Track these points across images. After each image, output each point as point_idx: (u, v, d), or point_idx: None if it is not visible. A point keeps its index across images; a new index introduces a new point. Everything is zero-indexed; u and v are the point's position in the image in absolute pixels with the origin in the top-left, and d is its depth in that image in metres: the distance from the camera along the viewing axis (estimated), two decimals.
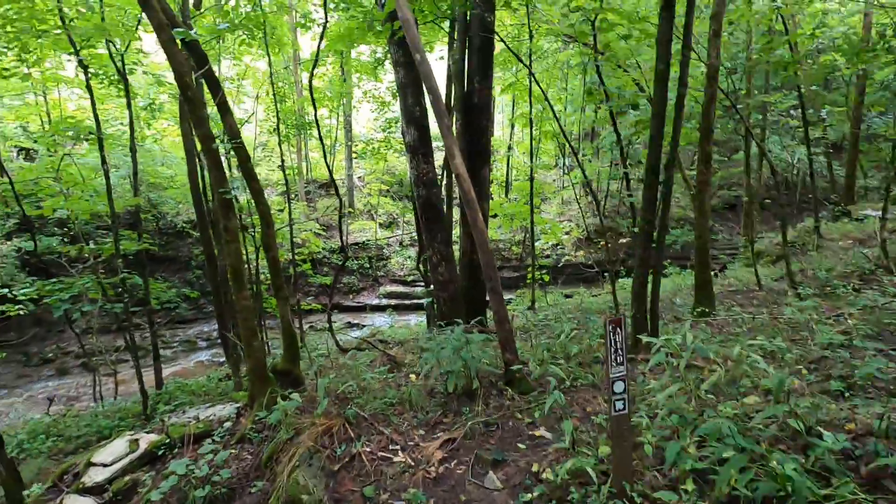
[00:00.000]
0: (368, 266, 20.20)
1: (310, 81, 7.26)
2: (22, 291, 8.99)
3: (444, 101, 8.69)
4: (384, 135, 15.64)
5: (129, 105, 8.11)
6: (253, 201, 4.48)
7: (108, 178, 7.39)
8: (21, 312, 11.01)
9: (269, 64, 9.36)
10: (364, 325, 16.48)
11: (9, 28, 5.32)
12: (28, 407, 11.95)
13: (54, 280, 8.50)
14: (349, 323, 16.90)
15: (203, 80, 4.87)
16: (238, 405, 4.37)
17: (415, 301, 18.56)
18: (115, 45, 7.86)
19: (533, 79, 9.33)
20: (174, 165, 18.16)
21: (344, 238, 8.27)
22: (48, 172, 8.91)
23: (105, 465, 3.68)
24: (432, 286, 7.02)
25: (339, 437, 3.27)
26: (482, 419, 3.44)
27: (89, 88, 7.08)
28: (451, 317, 6.78)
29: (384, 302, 18.86)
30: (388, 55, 10.33)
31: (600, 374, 4.10)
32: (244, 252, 5.66)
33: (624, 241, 16.40)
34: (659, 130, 4.23)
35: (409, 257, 20.40)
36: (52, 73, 13.32)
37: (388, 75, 16.88)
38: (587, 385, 3.97)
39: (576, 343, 4.89)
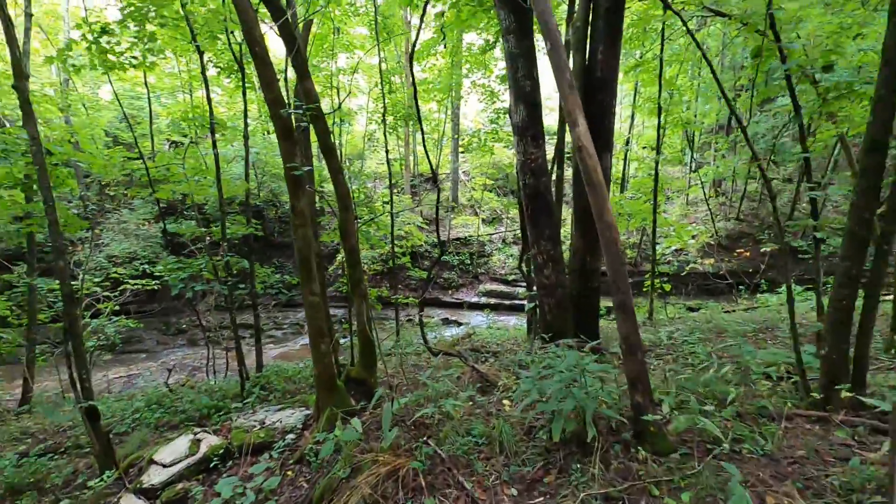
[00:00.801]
0: (469, 262, 19.57)
1: (410, 60, 6.61)
2: (157, 268, 9.76)
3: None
4: (492, 126, 14.82)
5: (244, 93, 8.21)
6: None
7: (217, 164, 7.50)
8: (156, 287, 12.08)
9: (378, 39, 8.96)
10: (461, 323, 15.87)
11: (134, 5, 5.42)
12: (160, 372, 13.17)
13: (176, 259, 8.96)
14: (446, 319, 16.41)
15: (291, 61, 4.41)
16: (308, 413, 3.84)
17: (515, 302, 17.52)
18: (233, 34, 8.00)
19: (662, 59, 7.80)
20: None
21: (442, 230, 7.69)
22: (176, 160, 9.47)
23: (164, 466, 3.35)
24: (535, 289, 6.01)
25: (405, 484, 2.50)
26: (600, 489, 2.43)
27: (204, 76, 7.19)
28: (556, 327, 5.73)
29: (483, 300, 18.08)
30: (499, 36, 9.47)
31: (775, 437, 2.83)
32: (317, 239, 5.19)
33: (767, 248, 13.74)
34: (891, 85, 2.80)
35: (512, 255, 19.38)
36: (195, 73, 14.55)
37: (499, 65, 16.00)
38: (756, 454, 2.73)
39: (727, 382, 3.59)
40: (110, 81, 12.17)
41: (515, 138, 5.89)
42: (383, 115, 11.35)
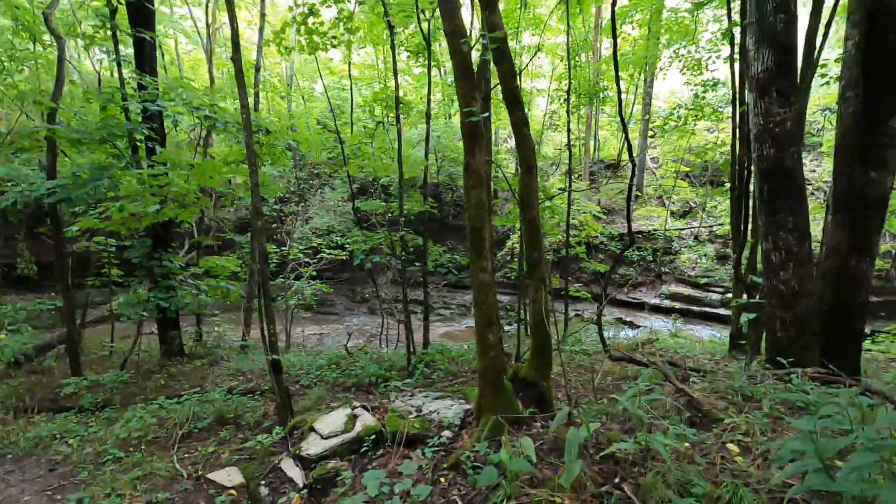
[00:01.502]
0: (651, 259, 17.30)
1: (612, 17, 5.54)
2: (347, 240, 10.66)
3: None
4: (694, 103, 12.53)
5: (428, 70, 8.16)
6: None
7: (399, 138, 7.57)
8: (345, 257, 13.26)
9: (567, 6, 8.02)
10: (637, 325, 14.06)
11: None
12: (344, 334, 14.65)
13: (360, 232, 9.52)
14: (620, 319, 14.73)
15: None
16: (467, 407, 3.35)
17: (705, 309, 14.87)
18: (423, 14, 7.99)
19: None
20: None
21: (630, 223, 6.58)
22: (365, 139, 10.06)
23: (321, 437, 3.21)
24: (765, 297, 4.53)
25: None
26: None
27: (393, 50, 7.26)
28: (792, 350, 4.22)
29: (666, 303, 15.79)
30: None
31: None
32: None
33: None
34: None
35: (706, 255, 16.49)
36: (389, 65, 15.54)
37: (708, 28, 13.42)
38: None
39: None
40: (321, 76, 13.65)
41: (752, 95, 4.44)
42: (567, 93, 10.37)
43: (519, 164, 3.26)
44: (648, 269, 17.26)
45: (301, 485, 2.98)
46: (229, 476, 4.11)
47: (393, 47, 7.27)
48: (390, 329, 12.10)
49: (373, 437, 3.21)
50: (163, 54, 15.52)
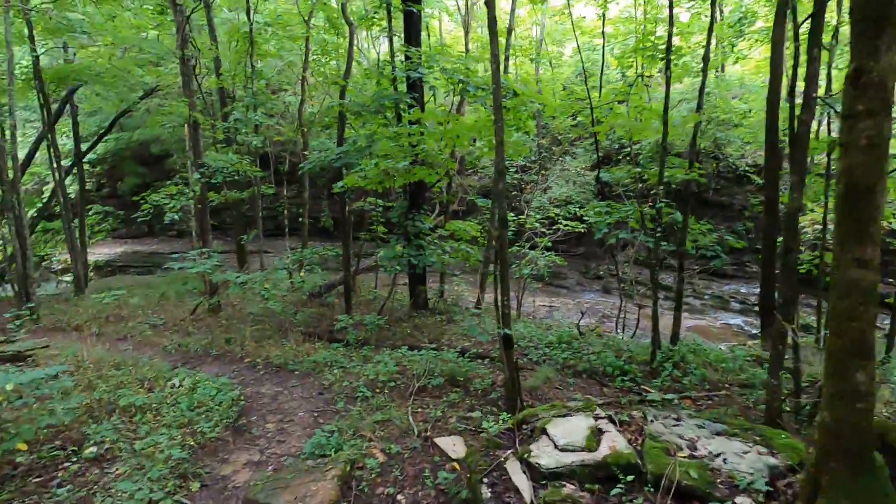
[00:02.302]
0: None
1: None
2: (586, 212, 9.76)
3: None
4: None
5: (670, 20, 6.34)
6: None
7: (668, 94, 6.12)
8: (583, 230, 12.33)
9: None
10: None
11: None
12: (574, 311, 13.87)
13: (605, 203, 8.45)
14: None
15: None
16: (773, 463, 2.19)
17: None
18: None
19: None
20: (751, 97, 15.35)
21: None
22: (619, 97, 8.75)
23: (556, 446, 2.59)
24: None
25: None
26: None
27: None
28: None
29: None
30: None
31: None
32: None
33: None
34: None
35: None
36: (651, 16, 13.38)
37: None
38: None
39: None
40: (576, 33, 12.60)
41: None
42: None
43: None
44: None
45: (528, 501, 2.45)
46: (454, 446, 3.93)
47: None
48: (629, 314, 10.73)
49: (625, 469, 2.40)
50: (428, 34, 16.87)
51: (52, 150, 12.74)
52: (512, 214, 12.68)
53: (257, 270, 11.27)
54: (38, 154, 15.39)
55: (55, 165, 12.87)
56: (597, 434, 2.70)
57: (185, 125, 10.49)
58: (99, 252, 18.16)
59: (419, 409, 4.96)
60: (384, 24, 9.49)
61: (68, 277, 15.11)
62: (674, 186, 8.39)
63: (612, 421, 2.92)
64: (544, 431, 2.93)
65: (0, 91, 10.30)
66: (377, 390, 5.39)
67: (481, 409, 4.94)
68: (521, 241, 11.99)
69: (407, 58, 8.19)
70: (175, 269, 7.36)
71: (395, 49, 9.01)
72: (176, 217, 8.91)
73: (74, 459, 3.80)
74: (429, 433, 4.27)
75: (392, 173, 5.31)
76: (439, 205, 16.08)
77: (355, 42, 11.34)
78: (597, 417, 2.97)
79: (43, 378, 3.41)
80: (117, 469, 3.59)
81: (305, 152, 11.97)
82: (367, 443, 4.04)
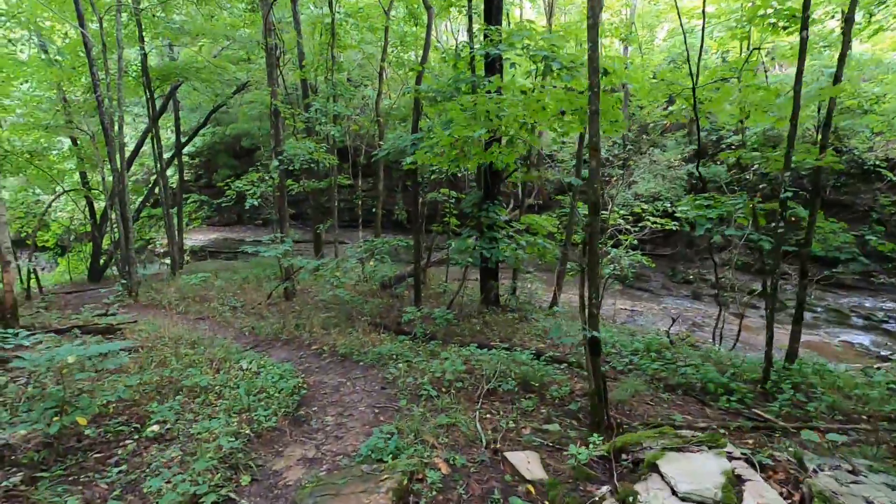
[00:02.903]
0: None
1: None
2: (681, 208, 8.67)
3: None
4: None
5: None
6: None
7: (802, 58, 5.01)
8: (674, 227, 11.07)
9: None
10: None
11: None
12: (660, 316, 12.57)
13: (706, 196, 7.36)
14: None
15: None
16: None
17: None
18: None
19: None
20: (887, 78, 13.01)
21: None
22: (729, 73, 7.56)
23: (673, 492, 1.92)
24: None
25: None
26: None
27: None
28: None
29: None
30: None
31: None
32: None
33: None
34: None
35: None
36: None
37: None
38: None
39: None
40: (679, 13, 11.26)
41: None
42: None
43: None
44: None
45: None
46: (529, 464, 3.34)
47: None
48: (725, 323, 9.42)
49: None
50: (509, 23, 16.17)
51: (155, 142, 13.73)
52: None
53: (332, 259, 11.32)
54: (144, 147, 16.77)
55: (158, 157, 13.87)
56: (736, 484, 1.97)
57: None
58: (195, 238, 19.57)
59: (488, 415, 4.41)
60: (463, 3, 9.00)
61: (168, 260, 16.34)
62: (801, 174, 7.09)
63: (750, 463, 2.16)
64: (655, 468, 2.25)
65: (111, 87, 11.16)
66: (443, 390, 4.92)
67: (559, 421, 4.29)
68: (604, 238, 11.00)
69: (486, 36, 7.64)
70: (248, 252, 7.39)
71: (475, 30, 8.49)
72: (256, 203, 9.07)
73: (136, 437, 3.71)
74: (499, 445, 3.71)
75: (466, 152, 4.78)
76: (514, 198, 15.40)
77: (433, 31, 10.99)
78: (730, 457, 2.22)
79: (107, 353, 3.29)
80: (172, 453, 3.41)
81: (381, 142, 11.83)
82: (429, 450, 3.56)
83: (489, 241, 8.52)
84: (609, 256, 10.83)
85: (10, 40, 15.08)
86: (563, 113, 4.17)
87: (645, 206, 10.87)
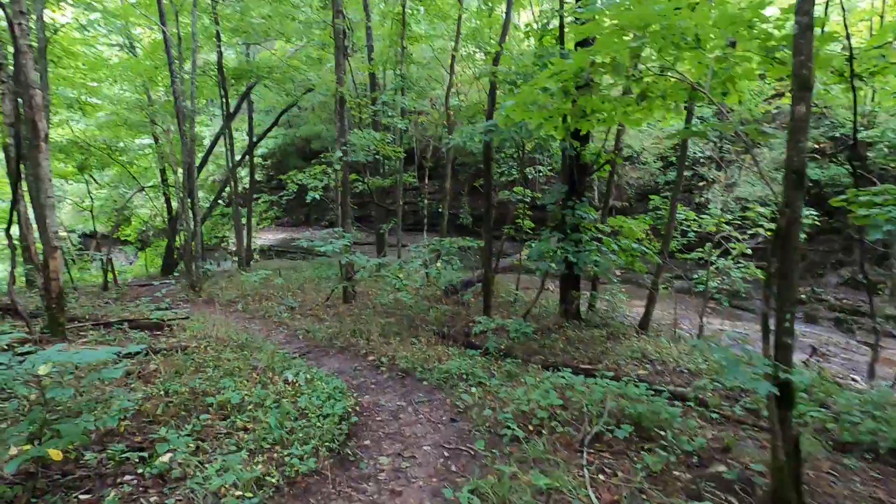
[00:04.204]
0: None
1: None
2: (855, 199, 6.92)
3: None
4: None
5: None
6: None
7: None
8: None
9: None
10: None
11: None
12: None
13: (884, 188, 5.62)
14: None
15: None
16: None
17: None
18: None
19: None
20: None
21: None
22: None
23: None
24: None
25: None
26: None
27: None
28: None
29: None
30: None
31: None
32: None
33: None
34: None
35: None
36: None
37: None
38: None
39: None
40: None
41: None
42: None
43: None
44: None
45: None
46: None
47: None
48: (852, 352, 7.40)
49: None
50: None
51: (227, 141, 13.67)
52: (692, 212, 9.92)
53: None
54: (219, 149, 16.97)
55: (230, 155, 13.80)
56: None
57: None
58: (264, 237, 19.66)
59: (600, 475, 3.12)
60: None
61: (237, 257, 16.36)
62: None
63: None
64: None
65: (186, 82, 11.07)
66: (531, 430, 3.68)
67: (712, 497, 2.90)
68: (704, 248, 9.24)
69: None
70: (313, 252, 6.56)
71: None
72: (317, 196, 8.34)
73: (141, 470, 2.80)
74: None
75: (556, 110, 3.53)
76: (598, 197, 13.80)
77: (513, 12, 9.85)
78: None
79: (104, 361, 2.40)
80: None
81: (451, 136, 10.83)
82: None
83: (575, 245, 7.17)
84: (712, 267, 9.07)
85: (108, 45, 15.88)
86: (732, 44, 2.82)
87: (762, 210, 8.99)
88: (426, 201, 13.09)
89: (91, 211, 13.96)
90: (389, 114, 9.99)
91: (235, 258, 18.03)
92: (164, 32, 10.54)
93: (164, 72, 12.47)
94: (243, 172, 17.60)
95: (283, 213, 20.12)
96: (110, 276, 11.70)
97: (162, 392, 3.75)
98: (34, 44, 6.68)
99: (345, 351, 6.10)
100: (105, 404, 3.00)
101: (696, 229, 9.46)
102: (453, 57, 11.11)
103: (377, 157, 8.96)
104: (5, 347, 4.42)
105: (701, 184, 14.79)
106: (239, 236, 14.04)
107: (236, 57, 16.12)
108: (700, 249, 9.18)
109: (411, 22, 11.41)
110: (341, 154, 8.24)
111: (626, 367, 5.93)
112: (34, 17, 7.19)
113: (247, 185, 16.94)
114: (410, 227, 17.83)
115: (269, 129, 17.01)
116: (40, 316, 5.84)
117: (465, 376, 4.88)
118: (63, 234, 17.37)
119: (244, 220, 14.53)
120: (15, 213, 5.60)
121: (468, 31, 12.79)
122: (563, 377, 4.46)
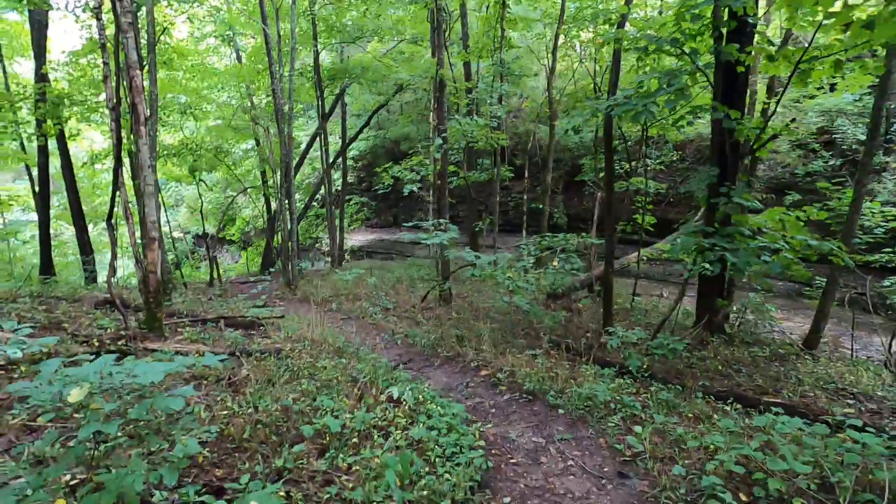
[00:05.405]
0: None
1: None
2: None
3: None
4: None
5: None
6: None
7: None
8: None
9: None
10: None
11: None
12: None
13: None
14: None
15: None
16: None
17: None
18: None
19: None
20: None
21: None
22: None
23: None
24: None
25: None
26: None
27: None
28: None
29: None
30: None
31: None
32: None
33: None
34: None
35: None
36: None
37: None
38: None
39: None
40: None
41: None
42: None
43: None
44: None
45: None
46: None
47: None
48: None
49: None
50: None
51: (322, 142, 13.59)
52: (876, 202, 7.75)
53: None
54: (315, 152, 17.20)
55: (324, 158, 13.72)
56: None
57: (430, 96, 9.33)
58: (355, 238, 19.70)
59: None
60: None
61: (330, 257, 16.40)
62: None
63: None
64: None
65: (285, 81, 11.00)
66: (744, 499, 2.41)
67: None
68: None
69: None
70: (406, 240, 5.74)
71: None
72: (415, 189, 7.58)
73: None
74: None
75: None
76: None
77: None
78: None
79: (152, 381, 1.62)
80: None
81: (555, 123, 9.60)
82: None
83: (729, 240, 5.62)
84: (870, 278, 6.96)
85: (218, 56, 16.80)
86: None
87: None
88: (525, 197, 11.92)
89: (202, 212, 14.64)
90: (488, 101, 9.02)
91: (328, 258, 18.17)
92: (265, 33, 10.55)
93: (265, 76, 12.68)
94: (336, 174, 17.68)
95: (372, 214, 20.05)
96: (215, 273, 12.01)
97: (251, 409, 3.03)
98: (143, 39, 6.59)
99: (451, 361, 5.16)
100: (167, 437, 2.25)
101: (880, 223, 7.34)
102: (557, 36, 9.88)
103: (471, 145, 8.04)
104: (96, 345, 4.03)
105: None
106: (332, 236, 13.90)
107: (331, 60, 16.22)
108: (888, 250, 7.09)
109: (510, 2, 10.37)
110: (441, 142, 7.40)
111: (818, 401, 4.36)
112: (144, 9, 7.19)
113: (339, 187, 16.98)
114: (503, 228, 16.75)
115: (361, 130, 16.92)
116: (143, 310, 5.61)
117: (613, 406, 3.69)
118: (178, 234, 18.71)
119: (337, 221, 14.42)
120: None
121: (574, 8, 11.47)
122: (770, 419, 3.08)
